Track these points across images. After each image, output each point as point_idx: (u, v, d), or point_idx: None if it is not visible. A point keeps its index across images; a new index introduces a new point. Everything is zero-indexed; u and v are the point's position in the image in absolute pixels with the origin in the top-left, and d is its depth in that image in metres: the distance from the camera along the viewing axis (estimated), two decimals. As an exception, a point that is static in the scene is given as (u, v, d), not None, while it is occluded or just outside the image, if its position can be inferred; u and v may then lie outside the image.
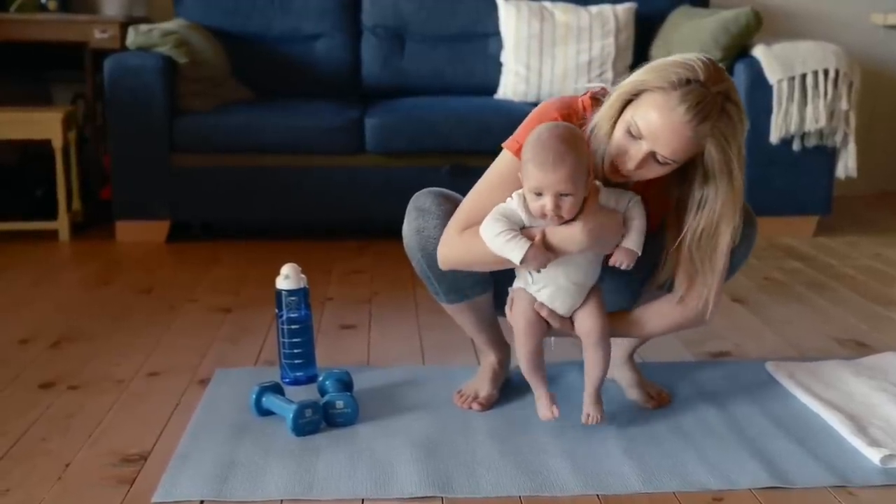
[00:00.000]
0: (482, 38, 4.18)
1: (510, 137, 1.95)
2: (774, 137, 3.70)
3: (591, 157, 1.86)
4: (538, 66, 4.01)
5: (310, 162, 3.71)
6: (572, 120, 1.90)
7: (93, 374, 2.37)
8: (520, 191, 1.89)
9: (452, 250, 1.96)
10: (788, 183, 3.78)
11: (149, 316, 2.84)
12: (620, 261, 1.91)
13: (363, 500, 1.76)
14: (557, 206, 1.82)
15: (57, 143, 3.69)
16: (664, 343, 2.47)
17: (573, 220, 1.85)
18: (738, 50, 3.79)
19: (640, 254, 1.91)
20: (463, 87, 4.15)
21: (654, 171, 1.84)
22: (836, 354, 2.51)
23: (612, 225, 1.88)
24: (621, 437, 2.00)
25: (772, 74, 3.67)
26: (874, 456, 1.89)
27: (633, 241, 1.90)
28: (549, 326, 1.98)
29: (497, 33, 4.13)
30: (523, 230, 1.87)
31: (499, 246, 1.86)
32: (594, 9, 4.07)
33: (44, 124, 3.69)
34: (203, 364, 2.44)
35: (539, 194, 1.83)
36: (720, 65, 1.80)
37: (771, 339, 2.66)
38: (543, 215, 1.84)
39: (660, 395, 2.20)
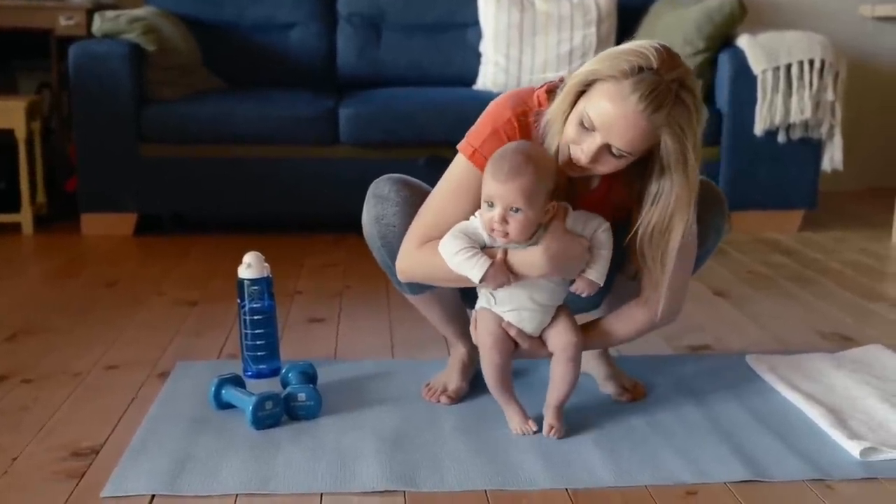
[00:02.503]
0: (461, 27, 4.11)
1: (464, 140, 1.89)
2: (759, 129, 3.62)
3: (560, 181, 1.80)
4: (518, 57, 3.94)
5: (283, 153, 3.63)
6: (527, 115, 1.84)
7: (49, 368, 2.29)
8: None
9: (411, 265, 1.92)
10: (773, 176, 3.71)
11: (112, 309, 2.76)
12: (581, 289, 1.86)
13: (322, 494, 1.69)
14: (504, 221, 1.76)
15: (20, 134, 3.61)
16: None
17: (535, 243, 1.80)
18: (722, 40, 3.72)
19: (601, 286, 1.86)
20: (441, 78, 4.06)
21: (609, 165, 1.76)
22: (820, 348, 2.45)
23: (575, 252, 1.82)
24: (593, 431, 1.94)
25: (756, 64, 3.60)
26: (854, 449, 1.83)
27: (596, 273, 1.85)
28: (517, 346, 1.91)
29: (476, 23, 4.06)
30: (484, 249, 1.82)
31: (457, 263, 1.81)
32: (575, -2, 4.00)
33: (6, 114, 3.60)
34: (164, 357, 2.37)
35: (491, 205, 1.78)
36: (675, 52, 1.73)
37: (753, 332, 2.59)
38: (492, 229, 1.78)
39: (635, 387, 2.14)
